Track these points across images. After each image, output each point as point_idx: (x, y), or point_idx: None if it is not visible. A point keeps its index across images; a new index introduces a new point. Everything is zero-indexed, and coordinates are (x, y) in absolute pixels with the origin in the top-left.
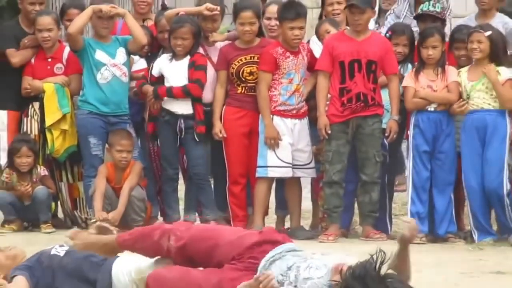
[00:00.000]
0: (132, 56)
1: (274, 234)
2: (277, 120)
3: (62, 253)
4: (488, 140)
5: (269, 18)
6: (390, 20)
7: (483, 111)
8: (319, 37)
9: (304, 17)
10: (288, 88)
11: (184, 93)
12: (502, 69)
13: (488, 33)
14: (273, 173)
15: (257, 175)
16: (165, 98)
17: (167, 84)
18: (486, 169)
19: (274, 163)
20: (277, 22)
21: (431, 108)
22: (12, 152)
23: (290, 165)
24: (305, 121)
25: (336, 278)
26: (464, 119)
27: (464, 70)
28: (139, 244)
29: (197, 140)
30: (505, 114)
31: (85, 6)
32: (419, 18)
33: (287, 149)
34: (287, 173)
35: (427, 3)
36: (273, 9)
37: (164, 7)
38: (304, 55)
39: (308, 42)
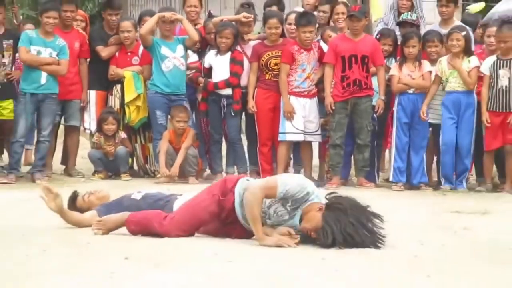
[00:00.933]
0: (188, 51)
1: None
2: (292, 99)
3: (139, 197)
4: (462, 113)
5: (289, 24)
6: (380, 26)
7: (458, 92)
8: (324, 39)
9: (314, 24)
10: (301, 76)
11: (226, 85)
12: (472, 58)
13: (464, 32)
14: (290, 137)
15: (278, 139)
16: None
17: (214, 73)
18: (460, 132)
19: (290, 130)
20: (295, 27)
21: (410, 91)
22: (101, 121)
23: (302, 132)
24: (315, 100)
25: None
26: (444, 98)
27: (444, 59)
28: (144, 232)
29: (233, 114)
30: (473, 94)
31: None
32: (400, 24)
33: (300, 120)
34: (300, 137)
35: (406, 13)
36: (292, 17)
37: (210, 15)
38: (315, 51)
39: (319, 41)
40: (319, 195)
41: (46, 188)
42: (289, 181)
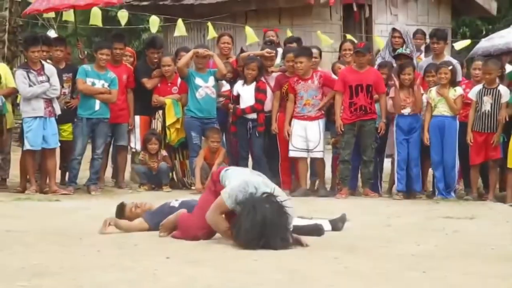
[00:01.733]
0: (219, 81)
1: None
2: (295, 121)
3: (177, 205)
4: (447, 134)
5: (288, 61)
6: (378, 60)
7: (443, 116)
8: (334, 71)
9: (306, 55)
10: (301, 102)
11: (252, 110)
12: (458, 88)
13: (451, 67)
14: (292, 153)
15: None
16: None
17: (241, 100)
18: (445, 153)
19: (292, 148)
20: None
21: (406, 113)
22: (145, 141)
23: (302, 150)
24: (316, 122)
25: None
26: (431, 121)
27: (433, 89)
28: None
29: (257, 135)
30: (456, 119)
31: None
32: (397, 57)
33: (298, 140)
34: (298, 154)
35: (401, 48)
36: (289, 55)
37: (242, 50)
38: (315, 80)
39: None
40: (268, 184)
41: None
42: (232, 191)
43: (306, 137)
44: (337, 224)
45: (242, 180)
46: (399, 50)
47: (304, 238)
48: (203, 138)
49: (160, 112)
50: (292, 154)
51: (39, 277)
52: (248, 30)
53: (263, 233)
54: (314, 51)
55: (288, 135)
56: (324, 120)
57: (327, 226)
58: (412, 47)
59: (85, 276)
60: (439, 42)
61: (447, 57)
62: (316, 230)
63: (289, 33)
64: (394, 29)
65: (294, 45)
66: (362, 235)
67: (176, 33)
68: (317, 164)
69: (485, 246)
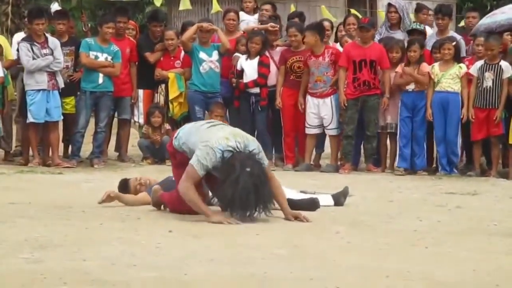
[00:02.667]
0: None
1: None
2: (308, 97)
3: None
4: (450, 110)
5: (290, 36)
6: (377, 37)
7: (446, 92)
8: (341, 44)
9: (299, 29)
10: (312, 78)
11: (254, 84)
12: (462, 65)
13: (454, 43)
14: (308, 130)
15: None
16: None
17: (245, 75)
18: (448, 128)
19: (306, 125)
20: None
21: (410, 89)
22: (149, 114)
23: (316, 126)
24: (328, 99)
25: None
26: (434, 97)
27: (436, 64)
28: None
29: (260, 109)
30: (459, 95)
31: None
32: (410, 32)
33: (311, 117)
34: (315, 131)
35: (415, 23)
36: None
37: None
38: (326, 57)
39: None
40: (227, 134)
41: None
42: (202, 158)
43: (319, 114)
44: (340, 199)
45: (204, 146)
46: (413, 26)
47: (304, 213)
48: (206, 112)
49: (163, 86)
50: (308, 131)
51: (42, 250)
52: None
53: (258, 196)
54: (326, 23)
55: (303, 109)
56: (337, 96)
57: (329, 201)
58: (409, 22)
59: (88, 249)
60: (444, 18)
61: (451, 32)
62: (311, 204)
63: (292, 8)
64: (389, 4)
65: (296, 20)
66: (364, 211)
67: (181, 7)
68: (331, 141)
69: (488, 221)
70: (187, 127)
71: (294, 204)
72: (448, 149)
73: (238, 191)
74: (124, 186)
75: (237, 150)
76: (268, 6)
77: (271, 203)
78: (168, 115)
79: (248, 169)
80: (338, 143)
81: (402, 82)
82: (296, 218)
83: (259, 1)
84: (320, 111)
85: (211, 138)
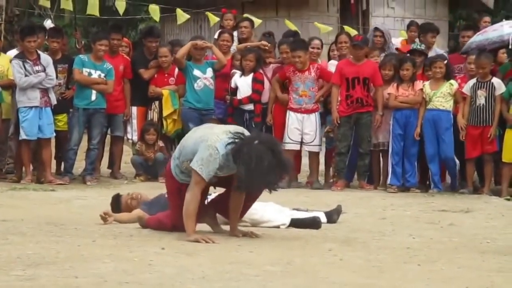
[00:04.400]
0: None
1: None
2: (291, 113)
3: None
4: (443, 128)
5: (281, 52)
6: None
7: (438, 110)
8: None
9: (303, 49)
10: (297, 93)
11: (249, 100)
12: (453, 82)
13: (445, 61)
14: (288, 146)
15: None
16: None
17: (238, 92)
18: (441, 146)
19: (287, 141)
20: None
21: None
22: (143, 131)
23: (297, 142)
24: (313, 115)
25: None
26: (426, 114)
27: (427, 83)
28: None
29: (254, 126)
30: (451, 113)
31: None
32: (411, 52)
33: (295, 132)
34: (295, 147)
35: (415, 43)
36: (283, 47)
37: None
38: (312, 72)
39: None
40: (223, 129)
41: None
42: (206, 162)
43: (302, 130)
44: (333, 216)
45: (207, 147)
46: (413, 46)
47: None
48: None
49: (157, 103)
50: (288, 146)
51: (35, 267)
52: (179, 12)
53: (278, 160)
54: (316, 42)
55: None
56: (320, 113)
57: (322, 218)
58: (391, 45)
59: (80, 266)
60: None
61: (434, 49)
62: (314, 223)
63: (288, 24)
64: (376, 28)
65: (291, 39)
66: (357, 228)
67: (179, 21)
68: (312, 158)
69: (481, 239)
70: (181, 143)
71: (297, 222)
72: (447, 166)
73: (256, 162)
74: (117, 201)
75: (238, 138)
76: (246, 23)
77: (290, 166)
78: (161, 132)
79: (256, 141)
80: (318, 160)
81: (397, 105)
82: (245, 235)
83: (238, 18)
84: (303, 127)
85: (209, 137)
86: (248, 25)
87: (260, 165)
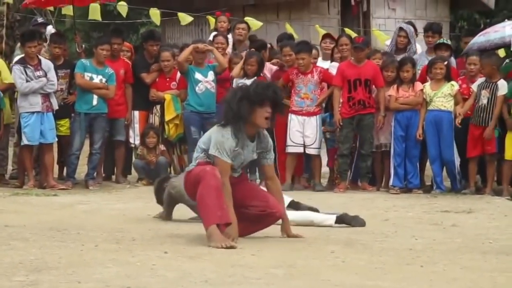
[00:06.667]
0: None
1: None
2: (292, 116)
3: None
4: (444, 128)
5: (284, 55)
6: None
7: (439, 111)
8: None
9: (307, 51)
10: (299, 96)
11: None
12: (454, 83)
13: (446, 62)
14: (290, 149)
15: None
16: None
17: None
18: (443, 147)
19: (290, 144)
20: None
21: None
22: (144, 135)
23: (300, 145)
24: (314, 118)
25: None
26: (427, 116)
27: (427, 84)
28: None
29: None
30: (452, 113)
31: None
32: (437, 47)
33: (297, 135)
34: (298, 150)
35: (442, 39)
36: (287, 49)
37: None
38: (315, 75)
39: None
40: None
41: None
42: (220, 145)
43: (303, 132)
44: (345, 220)
45: (214, 133)
46: (440, 40)
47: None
48: (202, 132)
49: (158, 107)
50: (291, 150)
51: (37, 273)
52: (181, 14)
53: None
54: (314, 52)
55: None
56: (321, 116)
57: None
58: (414, 47)
59: (83, 271)
60: (434, 35)
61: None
62: (358, 221)
63: (288, 27)
64: (401, 28)
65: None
66: (359, 229)
67: (182, 23)
68: (313, 161)
69: (483, 239)
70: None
71: (343, 218)
72: (446, 167)
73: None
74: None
75: None
76: (244, 25)
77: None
78: (163, 136)
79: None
80: (319, 162)
81: (397, 106)
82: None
83: (234, 21)
84: (304, 129)
85: (216, 126)
86: (245, 28)
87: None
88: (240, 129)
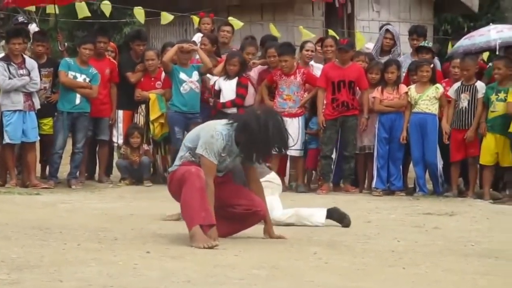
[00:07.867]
0: (205, 76)
1: None
2: None
3: None
4: (428, 131)
5: (269, 56)
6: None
7: (424, 113)
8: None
9: (289, 54)
10: (282, 97)
11: (232, 104)
12: (439, 86)
13: (432, 65)
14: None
15: None
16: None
17: (222, 95)
18: (426, 149)
19: None
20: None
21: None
22: (128, 135)
23: None
24: (296, 119)
25: None
26: (412, 118)
27: (412, 86)
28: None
29: None
30: (436, 116)
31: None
32: (418, 50)
33: None
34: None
35: (424, 42)
36: (271, 50)
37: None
38: (298, 77)
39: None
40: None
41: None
42: (208, 145)
43: None
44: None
45: (207, 131)
46: (422, 43)
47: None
48: (185, 132)
49: (143, 106)
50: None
51: (19, 271)
52: (164, 14)
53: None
54: (310, 45)
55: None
56: (304, 117)
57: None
58: (399, 49)
59: (65, 270)
60: (419, 38)
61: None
62: (345, 222)
63: (272, 28)
64: (387, 30)
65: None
66: (342, 231)
67: (162, 22)
68: (294, 163)
69: (465, 242)
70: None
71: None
72: (429, 170)
73: (262, 129)
74: None
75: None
76: (229, 28)
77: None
78: (148, 136)
79: (258, 112)
80: (302, 163)
81: (382, 109)
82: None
83: (218, 22)
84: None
85: (209, 124)
86: (230, 30)
87: (266, 130)
88: (232, 137)
